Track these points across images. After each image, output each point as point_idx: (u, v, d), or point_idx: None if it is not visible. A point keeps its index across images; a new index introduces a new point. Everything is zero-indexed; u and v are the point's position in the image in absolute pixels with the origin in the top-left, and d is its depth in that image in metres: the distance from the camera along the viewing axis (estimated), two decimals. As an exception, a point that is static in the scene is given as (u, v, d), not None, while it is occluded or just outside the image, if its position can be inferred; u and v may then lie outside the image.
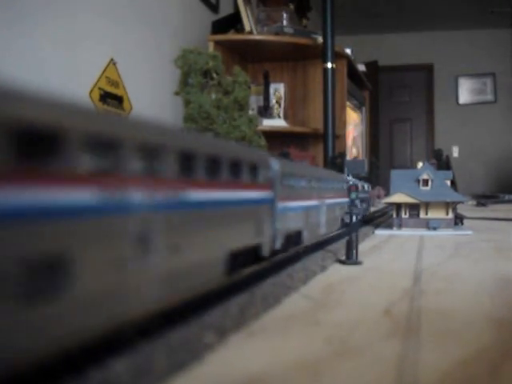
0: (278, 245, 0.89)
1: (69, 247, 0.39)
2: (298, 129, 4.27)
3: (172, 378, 0.44)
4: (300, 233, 1.03)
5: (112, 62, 3.35)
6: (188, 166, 0.56)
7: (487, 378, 0.45)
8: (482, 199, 3.86)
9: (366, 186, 1.97)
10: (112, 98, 3.37)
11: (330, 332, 0.59)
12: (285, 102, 4.42)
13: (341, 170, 3.20)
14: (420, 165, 4.41)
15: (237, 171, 0.70)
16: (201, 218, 0.60)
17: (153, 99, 3.74)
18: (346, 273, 0.96)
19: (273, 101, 4.32)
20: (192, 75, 1.44)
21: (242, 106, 1.49)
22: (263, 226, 0.82)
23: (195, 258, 0.58)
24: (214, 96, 1.48)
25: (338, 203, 1.24)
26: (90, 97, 3.18)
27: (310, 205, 1.09)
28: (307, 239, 1.06)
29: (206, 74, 1.47)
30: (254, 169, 0.77)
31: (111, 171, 0.44)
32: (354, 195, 1.07)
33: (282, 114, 4.35)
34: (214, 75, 1.46)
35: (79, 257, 0.40)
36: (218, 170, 0.64)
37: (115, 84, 3.41)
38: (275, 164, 0.88)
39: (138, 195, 0.47)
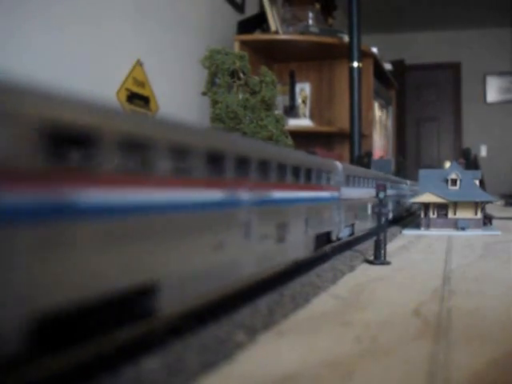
0: (342, 233, 1.12)
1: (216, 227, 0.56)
2: (323, 128, 4.25)
3: (203, 377, 0.44)
4: (353, 225, 1.24)
5: (139, 63, 3.38)
6: (283, 174, 0.76)
7: (520, 379, 0.45)
8: (511, 199, 3.80)
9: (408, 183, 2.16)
10: (138, 99, 3.40)
11: (360, 332, 0.59)
12: (310, 101, 4.41)
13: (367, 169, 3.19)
14: (448, 164, 4.37)
15: (319, 177, 0.97)
16: (296, 211, 0.83)
17: (179, 99, 3.76)
18: (375, 273, 0.96)
19: (298, 100, 4.31)
20: (219, 75, 1.45)
21: (269, 106, 1.49)
22: (333, 218, 1.05)
23: (298, 238, 0.82)
24: (241, 96, 1.49)
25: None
26: (117, 97, 3.21)
27: (362, 202, 1.32)
28: (358, 231, 1.28)
29: (233, 73, 1.48)
30: (329, 174, 1.04)
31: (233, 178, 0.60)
32: (382, 195, 1.06)
33: (307, 114, 4.34)
34: (241, 75, 1.47)
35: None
36: (308, 176, 0.89)
37: (142, 84, 3.44)
38: (341, 169, 1.16)
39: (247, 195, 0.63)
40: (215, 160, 0.54)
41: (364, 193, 1.35)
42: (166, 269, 0.46)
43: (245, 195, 0.62)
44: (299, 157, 0.88)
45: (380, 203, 1.07)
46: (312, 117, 4.34)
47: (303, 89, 4.35)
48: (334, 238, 1.05)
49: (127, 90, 3.29)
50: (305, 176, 0.86)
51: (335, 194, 1.08)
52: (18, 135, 0.32)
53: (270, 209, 0.70)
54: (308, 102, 4.39)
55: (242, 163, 0.61)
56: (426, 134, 8.13)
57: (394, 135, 6.05)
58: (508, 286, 0.85)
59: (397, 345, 0.54)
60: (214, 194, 0.55)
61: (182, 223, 0.49)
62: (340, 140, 4.31)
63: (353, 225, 1.23)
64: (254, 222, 0.64)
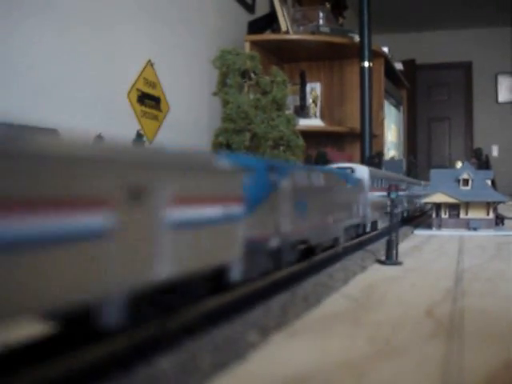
0: (368, 227, 1.34)
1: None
2: (334, 128, 4.24)
3: (216, 376, 0.44)
4: (376, 222, 1.43)
5: (149, 63, 3.39)
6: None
7: (534, 380, 0.45)
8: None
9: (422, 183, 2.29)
10: (149, 99, 3.41)
11: (373, 332, 0.59)
12: (321, 101, 4.41)
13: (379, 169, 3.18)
14: (459, 164, 4.35)
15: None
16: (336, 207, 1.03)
17: (190, 100, 3.77)
18: (386, 273, 0.96)
19: (309, 100, 4.31)
20: (230, 75, 1.45)
21: (280, 106, 1.49)
22: (361, 213, 1.26)
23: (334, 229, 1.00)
24: (252, 96, 1.49)
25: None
26: (128, 98, 3.22)
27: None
28: (380, 225, 1.46)
29: (244, 74, 1.48)
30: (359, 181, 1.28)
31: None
32: (394, 195, 1.06)
33: (318, 114, 4.34)
34: (252, 75, 1.47)
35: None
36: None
37: (153, 85, 3.45)
38: (367, 172, 1.37)
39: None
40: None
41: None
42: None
43: None
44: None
45: (392, 203, 1.06)
46: (323, 117, 4.34)
47: (314, 89, 4.35)
48: (360, 231, 1.27)
49: (138, 90, 3.29)
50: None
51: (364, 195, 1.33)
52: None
53: None
54: (319, 101, 4.39)
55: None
56: (437, 134, 8.10)
57: (405, 135, 6.03)
58: (521, 287, 0.84)
59: (410, 345, 0.54)
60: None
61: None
62: (351, 140, 4.30)
63: (376, 222, 1.46)
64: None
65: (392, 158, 4.13)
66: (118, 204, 0.39)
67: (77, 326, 0.41)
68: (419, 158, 6.88)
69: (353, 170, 1.32)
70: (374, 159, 3.42)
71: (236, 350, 0.49)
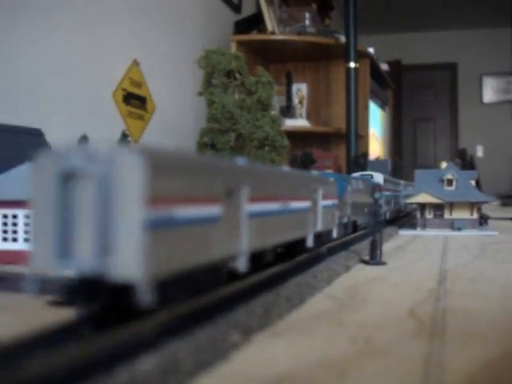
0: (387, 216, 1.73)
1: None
2: (320, 129, 4.26)
3: (198, 377, 0.44)
4: (386, 213, 1.72)
5: (135, 63, 3.37)
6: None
7: (514, 379, 0.45)
8: (507, 199, 3.81)
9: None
10: (135, 99, 3.40)
11: (355, 332, 0.59)
12: (307, 101, 4.41)
13: (363, 169, 3.19)
14: (444, 165, 4.37)
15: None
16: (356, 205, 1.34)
17: (175, 100, 3.76)
18: (370, 273, 0.96)
19: (295, 101, 4.32)
20: (215, 75, 1.45)
21: (266, 106, 1.49)
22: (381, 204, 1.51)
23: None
24: (237, 96, 1.48)
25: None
26: (114, 97, 3.20)
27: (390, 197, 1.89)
28: (388, 216, 1.85)
29: (229, 74, 1.48)
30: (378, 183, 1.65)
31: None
32: (378, 195, 1.07)
33: (304, 114, 4.35)
34: (238, 75, 1.47)
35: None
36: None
37: (138, 85, 3.43)
38: (382, 178, 1.78)
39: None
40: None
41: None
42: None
43: None
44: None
45: (376, 203, 1.07)
46: (309, 117, 4.35)
47: (300, 89, 4.35)
48: None
49: (123, 90, 3.28)
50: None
51: (380, 193, 1.53)
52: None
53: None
54: (305, 102, 4.39)
55: None
56: (422, 135, 8.14)
57: (391, 135, 6.05)
58: (504, 287, 0.85)
59: (392, 345, 0.54)
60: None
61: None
62: (336, 140, 4.31)
63: (386, 213, 1.79)
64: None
65: (377, 159, 4.15)
66: (222, 200, 0.55)
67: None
68: (404, 158, 6.91)
69: (372, 176, 1.74)
70: (359, 159, 3.43)
71: (218, 351, 0.49)
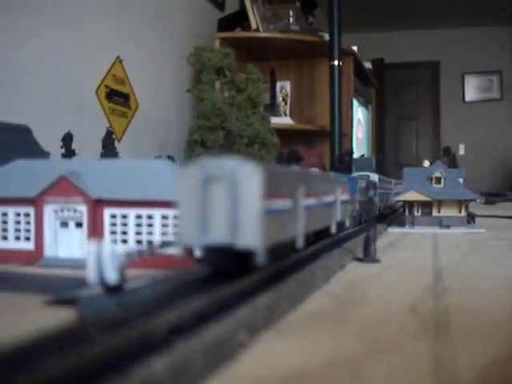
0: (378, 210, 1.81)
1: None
2: (304, 126, 4.26)
3: (209, 378, 0.44)
4: (380, 207, 1.87)
5: (118, 60, 3.35)
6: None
7: (527, 376, 0.45)
8: (491, 197, 3.84)
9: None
10: (118, 96, 3.37)
11: (360, 330, 0.58)
12: (291, 99, 4.41)
13: (349, 167, 3.19)
14: (426, 163, 4.39)
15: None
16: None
17: (159, 97, 3.74)
18: (366, 271, 0.96)
19: (279, 98, 4.31)
20: (205, 72, 1.44)
21: (255, 104, 1.48)
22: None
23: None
24: (226, 93, 1.48)
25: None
26: (97, 95, 3.18)
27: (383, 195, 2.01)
28: (382, 209, 1.99)
29: (219, 71, 1.47)
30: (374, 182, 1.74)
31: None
32: (372, 193, 1.07)
33: (288, 112, 4.35)
34: (227, 72, 1.46)
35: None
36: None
37: (121, 82, 3.41)
38: (377, 177, 1.86)
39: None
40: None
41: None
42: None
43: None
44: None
45: (370, 201, 1.07)
46: (292, 115, 4.35)
47: (284, 87, 4.35)
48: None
49: (106, 87, 3.25)
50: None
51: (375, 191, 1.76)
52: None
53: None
54: (288, 100, 4.39)
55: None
56: (405, 133, 8.19)
57: (374, 134, 6.08)
58: (499, 283, 0.85)
59: (399, 343, 0.54)
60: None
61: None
62: (320, 138, 4.31)
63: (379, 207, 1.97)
64: None
65: (362, 156, 4.16)
66: (290, 196, 0.73)
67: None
68: (387, 156, 6.95)
69: (369, 176, 1.82)
70: (343, 157, 3.43)
71: (227, 351, 0.48)
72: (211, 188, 0.61)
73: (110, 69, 3.24)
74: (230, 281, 0.63)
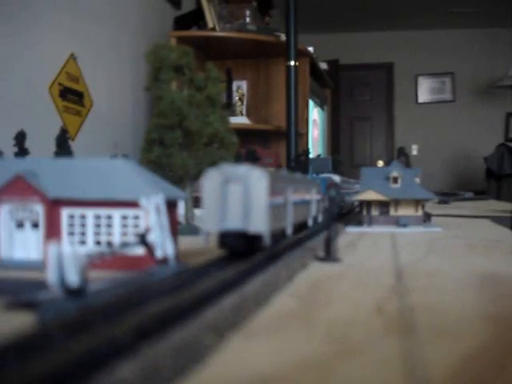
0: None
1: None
2: (260, 126, 4.26)
3: (179, 382, 0.42)
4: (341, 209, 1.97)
5: (72, 57, 3.29)
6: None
7: (497, 372, 0.45)
8: (444, 196, 3.92)
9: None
10: (72, 94, 3.31)
11: (327, 331, 0.58)
12: (247, 99, 4.41)
13: (305, 167, 3.21)
14: (380, 163, 4.44)
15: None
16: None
17: (114, 95, 3.69)
18: (328, 270, 0.96)
19: (235, 98, 4.30)
20: (164, 70, 1.42)
21: (214, 103, 1.47)
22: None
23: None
24: (185, 92, 1.46)
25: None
26: (50, 92, 3.11)
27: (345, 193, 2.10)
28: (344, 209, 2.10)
29: (178, 69, 1.45)
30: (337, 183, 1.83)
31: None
32: (333, 192, 1.08)
33: (244, 112, 4.34)
34: (187, 71, 1.44)
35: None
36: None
37: (75, 79, 3.35)
38: (338, 179, 1.97)
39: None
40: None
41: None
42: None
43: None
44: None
45: (331, 201, 1.07)
46: (249, 115, 4.34)
47: (240, 86, 4.35)
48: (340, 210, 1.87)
49: (60, 84, 3.19)
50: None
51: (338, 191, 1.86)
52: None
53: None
54: (245, 99, 4.39)
55: None
56: (359, 133, 8.29)
57: (329, 134, 6.13)
58: (460, 282, 0.86)
59: (368, 343, 0.53)
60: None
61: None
62: (276, 138, 4.33)
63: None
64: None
65: (318, 156, 4.18)
66: (283, 194, 0.93)
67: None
68: (342, 156, 7.01)
69: (331, 177, 1.93)
70: (300, 157, 3.45)
71: (194, 354, 0.47)
72: (229, 187, 0.80)
73: (64, 66, 3.18)
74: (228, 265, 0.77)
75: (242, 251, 0.81)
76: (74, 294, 0.58)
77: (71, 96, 3.28)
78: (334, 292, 0.78)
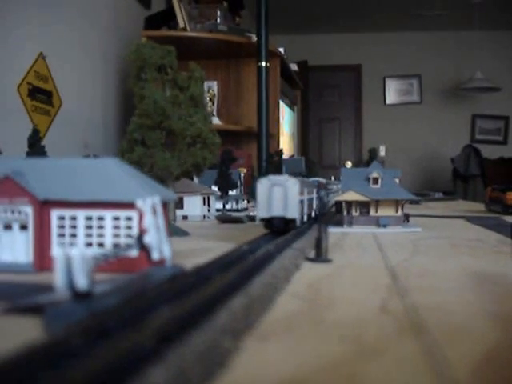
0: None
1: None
2: (231, 127, 4.26)
3: (206, 387, 0.41)
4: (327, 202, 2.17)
5: (41, 56, 3.23)
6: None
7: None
8: (416, 197, 3.96)
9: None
10: (41, 93, 3.26)
11: (340, 331, 0.57)
12: (218, 99, 4.40)
13: (278, 168, 3.21)
14: (349, 164, 4.46)
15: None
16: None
17: (83, 94, 3.64)
18: (321, 271, 0.96)
19: (206, 99, 4.29)
20: (146, 70, 1.40)
21: (198, 103, 1.46)
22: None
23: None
24: (168, 92, 1.44)
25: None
26: (19, 92, 3.06)
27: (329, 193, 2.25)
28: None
29: (160, 68, 1.43)
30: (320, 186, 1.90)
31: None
32: (323, 193, 1.11)
33: (215, 112, 4.33)
34: (169, 70, 1.43)
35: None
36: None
37: (44, 79, 3.29)
38: (324, 181, 2.22)
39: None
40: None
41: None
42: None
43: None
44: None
45: (320, 201, 1.07)
46: (220, 115, 4.33)
47: (211, 87, 4.33)
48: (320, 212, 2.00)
49: (29, 84, 3.14)
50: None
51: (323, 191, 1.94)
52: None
53: None
54: (216, 100, 4.38)
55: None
56: (328, 134, 8.35)
57: (299, 134, 6.15)
58: (456, 282, 0.87)
59: (384, 343, 0.53)
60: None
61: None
62: (247, 139, 4.33)
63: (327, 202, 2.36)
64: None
65: (292, 157, 4.19)
66: (301, 193, 1.32)
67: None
68: (311, 157, 7.05)
69: (319, 179, 2.14)
70: (273, 157, 3.45)
71: (217, 358, 0.46)
72: (274, 189, 1.19)
73: (33, 65, 3.13)
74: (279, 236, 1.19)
75: (282, 229, 1.21)
76: (81, 297, 0.57)
77: (40, 95, 3.22)
78: (333, 293, 0.78)
